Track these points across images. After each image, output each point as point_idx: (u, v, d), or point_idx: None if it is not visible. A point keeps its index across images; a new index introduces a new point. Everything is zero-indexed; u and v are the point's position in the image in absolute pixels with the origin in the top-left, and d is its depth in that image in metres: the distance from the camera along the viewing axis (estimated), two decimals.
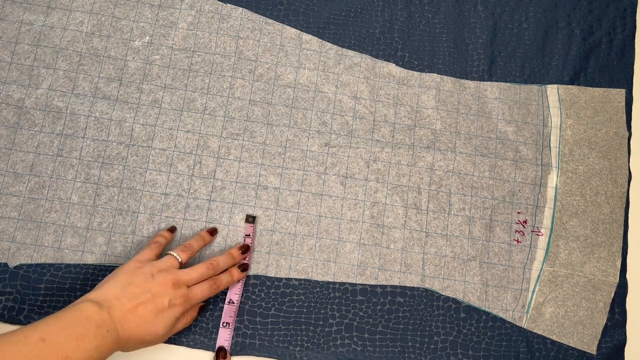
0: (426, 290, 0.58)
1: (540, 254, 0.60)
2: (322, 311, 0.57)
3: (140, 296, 0.47)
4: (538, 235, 0.60)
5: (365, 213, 0.59)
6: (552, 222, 0.61)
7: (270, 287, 0.57)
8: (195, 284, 0.51)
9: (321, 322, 0.57)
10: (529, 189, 0.61)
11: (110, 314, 0.45)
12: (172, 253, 0.52)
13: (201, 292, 0.51)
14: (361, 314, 0.57)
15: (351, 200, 0.60)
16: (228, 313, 0.55)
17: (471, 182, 0.61)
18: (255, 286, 0.57)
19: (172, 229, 0.57)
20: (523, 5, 0.67)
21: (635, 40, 0.67)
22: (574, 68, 0.65)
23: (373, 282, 0.58)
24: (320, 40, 0.64)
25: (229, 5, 0.64)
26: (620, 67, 0.66)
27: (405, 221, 0.60)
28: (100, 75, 0.60)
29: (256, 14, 0.64)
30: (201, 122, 0.60)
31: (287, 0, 0.65)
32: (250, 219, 0.58)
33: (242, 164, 0.60)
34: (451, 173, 0.61)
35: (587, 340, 0.58)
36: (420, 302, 0.58)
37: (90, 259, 0.56)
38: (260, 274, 0.57)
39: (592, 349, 0.58)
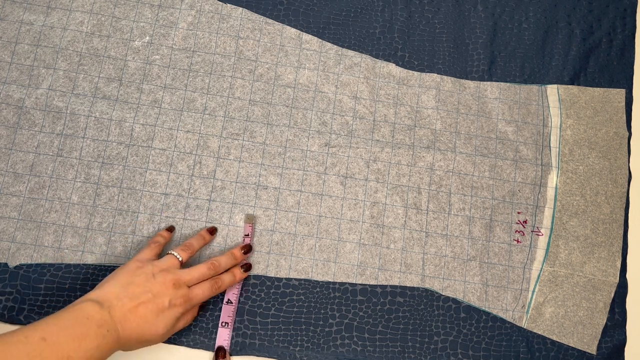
0: (426, 290, 0.58)
1: (540, 254, 0.60)
2: (322, 311, 0.57)
3: (141, 296, 0.47)
4: (538, 235, 0.60)
5: (365, 213, 0.59)
6: (552, 222, 0.61)
7: (270, 287, 0.57)
8: (196, 284, 0.51)
9: (321, 322, 0.57)
10: (529, 189, 0.61)
11: (111, 314, 0.45)
12: (172, 252, 0.52)
13: (202, 292, 0.51)
14: (361, 314, 0.57)
15: (351, 200, 0.60)
16: (227, 313, 0.55)
17: (471, 182, 0.61)
18: (255, 286, 0.57)
19: (171, 229, 0.57)
20: (523, 5, 0.67)
21: (635, 40, 0.67)
22: (574, 68, 0.65)
23: (373, 282, 0.58)
24: (320, 40, 0.64)
25: (229, 5, 0.64)
26: (620, 67, 0.66)
27: (405, 221, 0.60)
28: (100, 75, 0.60)
29: (256, 14, 0.64)
30: (201, 122, 0.60)
31: (287, 0, 0.65)
32: (250, 219, 0.58)
33: (242, 164, 0.60)
34: (451, 173, 0.61)
35: (587, 340, 0.58)
36: (420, 302, 0.58)
37: (90, 259, 0.56)
38: (260, 274, 0.57)
39: (592, 349, 0.58)
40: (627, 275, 0.60)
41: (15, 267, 0.55)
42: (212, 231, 0.57)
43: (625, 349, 0.58)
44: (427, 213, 0.60)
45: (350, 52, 0.64)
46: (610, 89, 0.65)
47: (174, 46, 0.62)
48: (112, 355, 0.46)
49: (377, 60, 0.64)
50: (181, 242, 0.57)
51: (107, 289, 0.47)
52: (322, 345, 0.56)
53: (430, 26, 0.65)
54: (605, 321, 0.58)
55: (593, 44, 0.66)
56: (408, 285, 0.58)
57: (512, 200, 0.61)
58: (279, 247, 0.58)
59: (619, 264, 0.60)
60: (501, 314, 0.58)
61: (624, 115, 0.64)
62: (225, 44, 0.63)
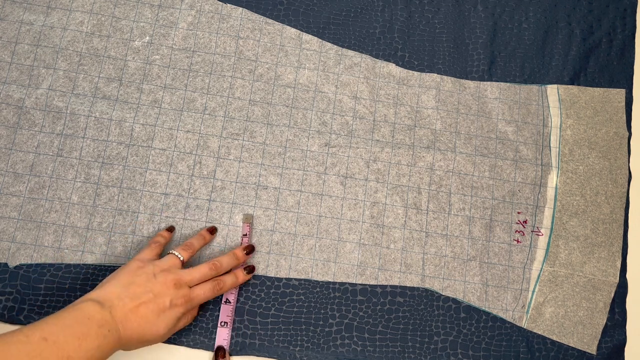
0: (426, 290, 0.58)
1: (540, 254, 0.60)
2: (322, 311, 0.57)
3: (142, 296, 0.47)
4: (538, 235, 0.60)
5: (365, 213, 0.59)
6: (552, 222, 0.61)
7: (270, 287, 0.57)
8: (197, 284, 0.51)
9: (321, 322, 0.57)
10: (529, 189, 0.61)
11: (112, 314, 0.45)
12: (174, 252, 0.52)
13: (203, 293, 0.51)
14: (361, 314, 0.57)
15: (351, 200, 0.60)
16: (225, 312, 0.55)
17: (471, 182, 0.61)
18: (255, 286, 0.57)
19: (171, 229, 0.57)
20: (523, 5, 0.67)
21: (635, 40, 0.67)
22: (574, 68, 0.65)
23: (373, 282, 0.58)
24: (320, 40, 0.64)
25: (229, 5, 0.64)
26: (620, 67, 0.66)
27: (405, 221, 0.60)
28: (100, 75, 0.60)
29: (256, 14, 0.64)
30: (201, 122, 0.60)
31: (287, 0, 0.65)
32: (247, 218, 0.58)
33: (242, 164, 0.60)
34: (451, 173, 0.61)
35: (587, 340, 0.58)
36: (420, 302, 0.58)
37: (90, 259, 0.56)
38: (260, 274, 0.57)
39: (592, 349, 0.58)
40: (627, 275, 0.60)
41: (15, 267, 0.55)
42: (212, 231, 0.57)
43: (625, 349, 0.58)
44: (427, 213, 0.60)
45: (350, 52, 0.64)
46: (610, 89, 0.65)
47: (174, 46, 0.62)
48: (113, 355, 0.46)
49: (377, 60, 0.64)
50: (181, 242, 0.57)
51: (108, 289, 0.47)
52: (322, 345, 0.56)
53: (430, 26, 0.65)
54: (605, 321, 0.58)
55: (593, 44, 0.66)
56: (408, 285, 0.58)
57: (512, 200, 0.61)
58: (279, 247, 0.58)
59: (619, 264, 0.60)
60: (501, 314, 0.58)
61: (624, 115, 0.64)
62: (225, 44, 0.63)
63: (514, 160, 0.62)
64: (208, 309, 0.56)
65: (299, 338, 0.56)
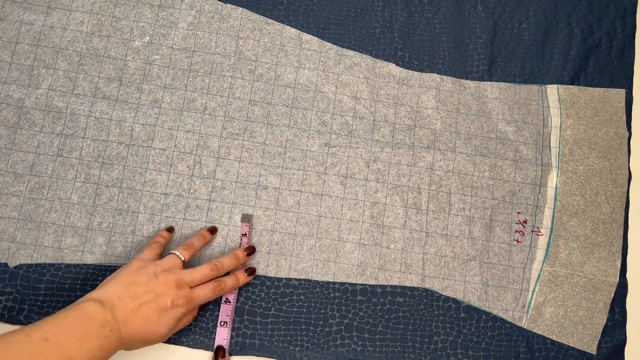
0: (426, 290, 0.58)
1: (540, 254, 0.60)
2: (322, 311, 0.57)
3: (144, 296, 0.47)
4: (538, 235, 0.60)
5: (365, 213, 0.59)
6: (552, 222, 0.61)
7: (270, 287, 0.57)
8: (198, 284, 0.51)
9: (321, 322, 0.57)
10: (529, 189, 0.61)
11: (113, 314, 0.45)
12: (175, 252, 0.52)
13: (204, 293, 0.51)
14: (361, 314, 0.57)
15: (351, 200, 0.60)
16: (225, 312, 0.55)
17: (471, 182, 0.61)
18: (255, 286, 0.57)
19: (171, 229, 0.57)
20: (523, 5, 0.67)
21: (635, 40, 0.67)
22: (574, 68, 0.65)
23: (373, 282, 0.58)
24: (320, 40, 0.64)
25: (229, 5, 0.64)
26: (620, 67, 0.66)
27: (405, 221, 0.60)
28: (100, 75, 0.60)
29: (256, 14, 0.64)
30: (201, 122, 0.60)
31: (287, 0, 0.65)
32: (246, 218, 0.58)
33: (242, 164, 0.60)
34: (451, 173, 0.61)
35: (587, 340, 0.58)
36: (420, 302, 0.58)
37: (90, 259, 0.56)
38: (260, 274, 0.57)
39: (592, 349, 0.58)
40: (627, 275, 0.60)
41: (15, 267, 0.55)
42: (213, 230, 0.57)
43: (625, 349, 0.58)
44: (427, 213, 0.60)
45: (350, 52, 0.64)
46: (610, 89, 0.65)
47: (174, 46, 0.62)
48: (113, 355, 0.46)
49: (377, 60, 0.64)
50: (181, 242, 0.57)
51: (109, 289, 0.47)
52: (322, 345, 0.56)
53: (430, 26, 0.65)
54: (605, 321, 0.58)
55: (593, 44, 0.66)
56: (408, 285, 0.58)
57: (512, 200, 0.61)
58: (279, 247, 0.58)
59: (619, 264, 0.60)
60: (501, 314, 0.58)
61: (624, 115, 0.64)
62: (225, 44, 0.63)
63: (514, 160, 0.62)
64: (208, 309, 0.56)
65: (299, 338, 0.56)
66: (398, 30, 0.65)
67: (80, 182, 0.58)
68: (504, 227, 0.60)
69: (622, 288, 0.59)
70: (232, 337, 0.55)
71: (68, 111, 0.59)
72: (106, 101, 0.60)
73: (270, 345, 0.55)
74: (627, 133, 0.63)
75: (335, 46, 0.64)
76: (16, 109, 0.59)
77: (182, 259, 0.52)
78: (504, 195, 0.61)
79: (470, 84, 0.64)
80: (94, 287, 0.55)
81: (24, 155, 0.58)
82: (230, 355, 0.55)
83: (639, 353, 0.58)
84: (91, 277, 0.56)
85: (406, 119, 0.62)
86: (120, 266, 0.56)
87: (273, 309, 0.56)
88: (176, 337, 0.55)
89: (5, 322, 0.54)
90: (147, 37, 0.62)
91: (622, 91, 0.65)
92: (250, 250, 0.56)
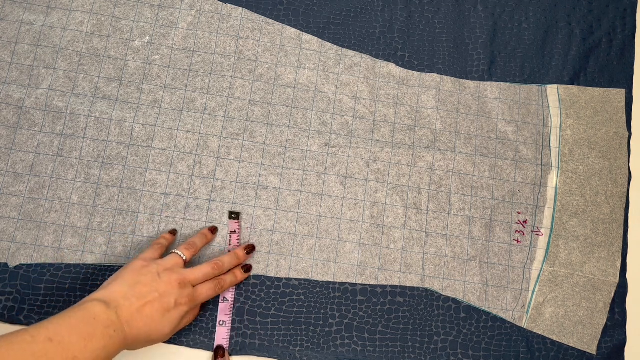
0: (426, 290, 0.58)
1: (540, 254, 0.60)
2: (322, 311, 0.57)
3: (148, 295, 0.47)
4: (538, 235, 0.60)
5: (365, 213, 0.59)
6: (552, 222, 0.61)
7: (270, 287, 0.57)
8: (200, 283, 0.51)
9: (321, 322, 0.57)
10: (529, 189, 0.61)
11: (117, 314, 0.45)
12: (176, 251, 0.52)
13: (206, 291, 0.51)
14: (361, 314, 0.57)
15: (351, 200, 0.60)
16: (223, 311, 0.55)
17: (471, 182, 0.61)
18: (255, 286, 0.57)
19: (174, 232, 0.57)
20: (523, 5, 0.67)
21: (635, 40, 0.67)
22: (574, 68, 0.65)
23: (373, 282, 0.58)
24: (320, 40, 0.64)
25: (229, 5, 0.64)
26: (620, 67, 0.66)
27: (405, 221, 0.60)
28: (100, 75, 0.60)
29: (256, 14, 0.64)
30: (201, 122, 0.60)
31: (287, 0, 0.65)
32: (234, 215, 0.58)
33: (242, 164, 0.60)
34: (451, 173, 0.61)
35: (587, 340, 0.58)
36: (420, 302, 0.58)
37: (90, 259, 0.56)
38: (260, 274, 0.57)
39: (592, 349, 0.58)
40: (627, 275, 0.60)
41: (15, 267, 0.55)
42: (214, 230, 0.57)
43: (625, 349, 0.58)
44: (427, 213, 0.60)
45: (350, 52, 0.64)
46: (610, 89, 0.65)
47: (174, 46, 0.62)
48: (117, 355, 0.46)
49: (377, 60, 0.64)
50: (181, 242, 0.57)
51: (113, 289, 0.47)
52: (322, 345, 0.56)
53: (430, 26, 0.65)
54: (605, 321, 0.58)
55: (593, 44, 0.66)
56: (408, 285, 0.58)
57: (512, 200, 0.61)
58: (279, 247, 0.58)
59: (619, 264, 0.60)
60: (501, 314, 0.58)
61: (624, 115, 0.64)
62: (225, 44, 0.63)
63: (514, 160, 0.62)
64: (208, 309, 0.56)
65: (299, 338, 0.56)
66: (398, 30, 0.65)
67: (80, 182, 0.58)
68: (504, 227, 0.60)
69: (622, 288, 0.59)
70: (232, 337, 0.55)
71: (68, 111, 0.59)
72: (106, 101, 0.60)
73: (270, 345, 0.55)
74: (627, 133, 0.63)
75: (335, 46, 0.64)
76: (16, 109, 0.59)
77: (184, 258, 0.52)
78: (504, 195, 0.61)
79: (470, 84, 0.64)
80: (94, 287, 0.55)
81: (24, 155, 0.58)
82: (230, 355, 0.55)
83: (639, 353, 0.58)
84: (91, 277, 0.56)
85: (406, 119, 0.62)
86: (121, 266, 0.56)
87: (273, 309, 0.56)
88: (176, 337, 0.55)
89: (5, 322, 0.54)
90: (147, 37, 0.62)
91: (622, 91, 0.65)
92: (250, 249, 0.56)
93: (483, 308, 0.58)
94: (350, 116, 0.62)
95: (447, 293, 0.58)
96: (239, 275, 0.55)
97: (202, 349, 0.55)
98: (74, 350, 0.41)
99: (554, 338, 0.58)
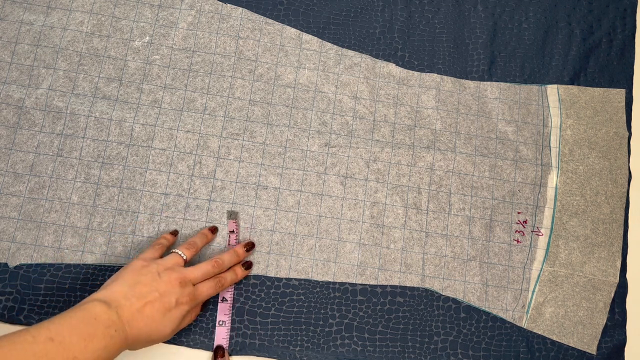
0: (426, 290, 0.58)
1: (540, 254, 0.60)
2: (322, 311, 0.57)
3: (148, 295, 0.47)
4: (538, 235, 0.60)
5: (365, 213, 0.59)
6: (552, 222, 0.61)
7: (270, 287, 0.57)
8: (200, 282, 0.51)
9: (321, 322, 0.57)
10: (529, 189, 0.61)
11: (118, 314, 0.45)
12: (176, 251, 0.52)
13: (207, 290, 0.51)
14: (361, 314, 0.57)
15: (351, 200, 0.60)
16: (223, 311, 0.55)
17: (471, 182, 0.61)
18: (255, 286, 0.57)
19: (175, 233, 0.57)
20: (523, 5, 0.67)
21: (635, 40, 0.67)
22: (574, 68, 0.65)
23: (373, 282, 0.58)
24: (320, 40, 0.64)
25: (229, 5, 0.64)
26: (620, 67, 0.66)
27: (405, 221, 0.60)
28: (100, 75, 0.60)
29: (256, 14, 0.64)
30: (201, 122, 0.60)
31: (287, 0, 0.65)
32: (232, 215, 0.58)
33: (242, 164, 0.60)
34: (451, 173, 0.61)
35: (587, 340, 0.58)
36: (420, 302, 0.58)
37: (90, 259, 0.56)
38: (260, 274, 0.57)
39: (592, 349, 0.58)
40: (627, 275, 0.60)
41: (15, 267, 0.55)
42: (214, 230, 0.57)
43: (625, 349, 0.58)
44: (427, 213, 0.60)
45: (350, 52, 0.64)
46: (610, 89, 0.65)
47: (174, 46, 0.62)
48: (118, 355, 0.46)
49: (377, 60, 0.64)
50: (181, 242, 0.57)
51: (114, 289, 0.47)
52: (322, 345, 0.56)
53: (430, 26, 0.65)
54: (605, 321, 0.58)
55: (593, 44, 0.66)
56: (408, 285, 0.58)
57: (512, 200, 0.61)
58: (279, 247, 0.58)
59: (619, 264, 0.60)
60: (501, 314, 0.58)
61: (624, 115, 0.64)
62: (225, 44, 0.63)
63: (514, 160, 0.62)
64: (208, 308, 0.56)
65: (299, 338, 0.56)
66: (398, 30, 0.65)
67: (80, 182, 0.58)
68: (504, 227, 0.60)
69: (622, 288, 0.59)
70: (232, 337, 0.55)
71: (68, 111, 0.59)
72: (106, 101, 0.60)
73: (270, 345, 0.55)
74: (627, 133, 0.63)
75: (335, 46, 0.64)
76: (16, 109, 0.59)
77: (184, 257, 0.52)
78: (504, 195, 0.61)
79: (470, 84, 0.64)
80: (94, 287, 0.55)
81: (24, 155, 0.58)
82: (230, 355, 0.55)
83: (639, 353, 0.58)
84: (91, 277, 0.56)
85: (406, 119, 0.62)
86: (121, 266, 0.56)
87: (273, 309, 0.56)
88: (176, 337, 0.55)
89: (5, 322, 0.54)
90: (147, 37, 0.62)
91: (622, 91, 0.65)
92: (250, 246, 0.56)
93: (483, 308, 0.58)
94: (350, 116, 0.62)
95: (447, 293, 0.58)
96: (240, 272, 0.55)
97: (202, 349, 0.55)
98: (74, 351, 0.41)
99: (554, 338, 0.58)
